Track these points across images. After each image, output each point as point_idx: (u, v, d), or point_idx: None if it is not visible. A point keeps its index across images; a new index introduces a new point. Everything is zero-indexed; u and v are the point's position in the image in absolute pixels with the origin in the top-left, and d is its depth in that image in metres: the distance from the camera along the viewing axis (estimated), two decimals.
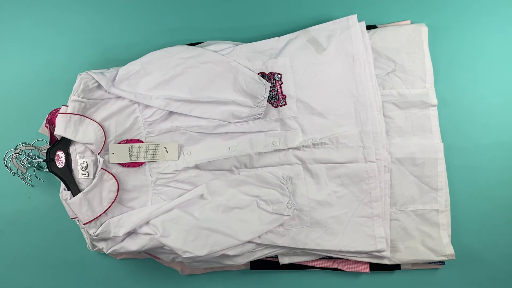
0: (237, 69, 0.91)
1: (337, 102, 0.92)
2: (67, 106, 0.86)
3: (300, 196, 0.92)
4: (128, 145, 0.90)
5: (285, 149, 0.92)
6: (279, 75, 0.93)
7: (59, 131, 0.85)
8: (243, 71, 0.91)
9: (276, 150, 0.91)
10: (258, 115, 0.91)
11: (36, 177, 1.00)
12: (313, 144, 0.91)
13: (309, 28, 0.95)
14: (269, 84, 0.91)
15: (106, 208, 0.87)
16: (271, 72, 0.93)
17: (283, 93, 0.93)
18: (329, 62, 0.92)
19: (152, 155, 0.91)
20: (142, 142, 0.91)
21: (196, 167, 0.91)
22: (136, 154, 0.90)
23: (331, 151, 0.91)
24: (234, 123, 0.92)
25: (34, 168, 0.99)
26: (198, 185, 0.91)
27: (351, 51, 0.92)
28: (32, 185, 1.02)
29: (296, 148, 0.91)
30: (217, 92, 0.91)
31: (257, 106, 0.91)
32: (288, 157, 0.92)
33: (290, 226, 0.91)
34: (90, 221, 0.86)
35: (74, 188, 0.87)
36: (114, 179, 0.88)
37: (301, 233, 0.92)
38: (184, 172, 0.91)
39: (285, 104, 0.93)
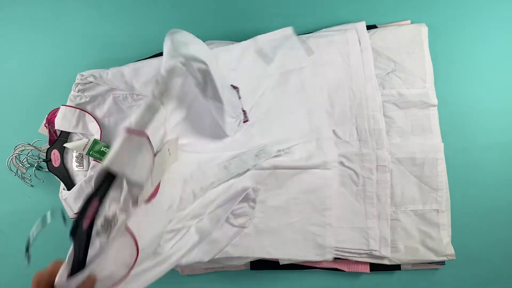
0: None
1: (296, 113, 0.89)
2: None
3: (259, 203, 0.88)
4: None
5: (254, 166, 0.88)
6: (237, 89, 0.88)
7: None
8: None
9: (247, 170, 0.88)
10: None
11: (36, 177, 1.00)
12: (278, 151, 0.88)
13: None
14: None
15: None
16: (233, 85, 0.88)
17: (243, 109, 0.88)
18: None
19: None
20: None
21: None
22: None
23: (293, 158, 0.88)
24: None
25: (34, 168, 0.99)
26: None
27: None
28: (32, 185, 1.02)
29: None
30: None
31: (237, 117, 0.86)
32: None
33: (246, 235, 0.88)
34: None
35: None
36: None
37: (253, 242, 0.88)
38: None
39: (247, 120, 0.89)
